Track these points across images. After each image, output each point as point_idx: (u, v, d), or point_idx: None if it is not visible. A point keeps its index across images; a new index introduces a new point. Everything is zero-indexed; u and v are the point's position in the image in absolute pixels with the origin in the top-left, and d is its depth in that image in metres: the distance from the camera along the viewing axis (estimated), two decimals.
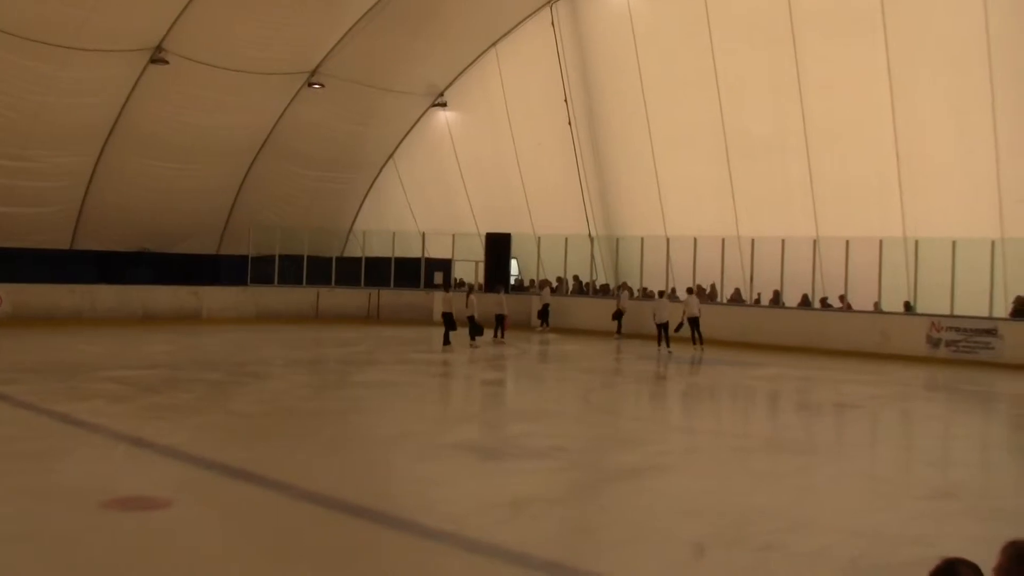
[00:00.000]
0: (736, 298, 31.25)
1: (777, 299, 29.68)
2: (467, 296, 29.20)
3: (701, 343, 27.93)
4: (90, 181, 32.50)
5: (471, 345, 27.85)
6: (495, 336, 29.90)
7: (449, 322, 27.81)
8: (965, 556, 3.80)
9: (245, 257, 35.29)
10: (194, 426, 14.06)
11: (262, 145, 35.86)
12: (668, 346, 27.57)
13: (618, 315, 31.44)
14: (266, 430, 14.27)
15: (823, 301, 28.83)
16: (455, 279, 37.72)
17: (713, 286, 31.51)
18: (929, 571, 3.80)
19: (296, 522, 9.30)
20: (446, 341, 27.33)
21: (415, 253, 37.56)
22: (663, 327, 27.82)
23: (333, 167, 38.69)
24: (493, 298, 31.14)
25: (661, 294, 29.73)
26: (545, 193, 36.93)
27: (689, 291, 29.23)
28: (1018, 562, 3.75)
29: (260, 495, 10.28)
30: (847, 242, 27.38)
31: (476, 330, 28.39)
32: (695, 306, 28.24)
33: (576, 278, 35.65)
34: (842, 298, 28.49)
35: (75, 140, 31.13)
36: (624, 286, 33.36)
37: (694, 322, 28.00)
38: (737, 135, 31.12)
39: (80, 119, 30.54)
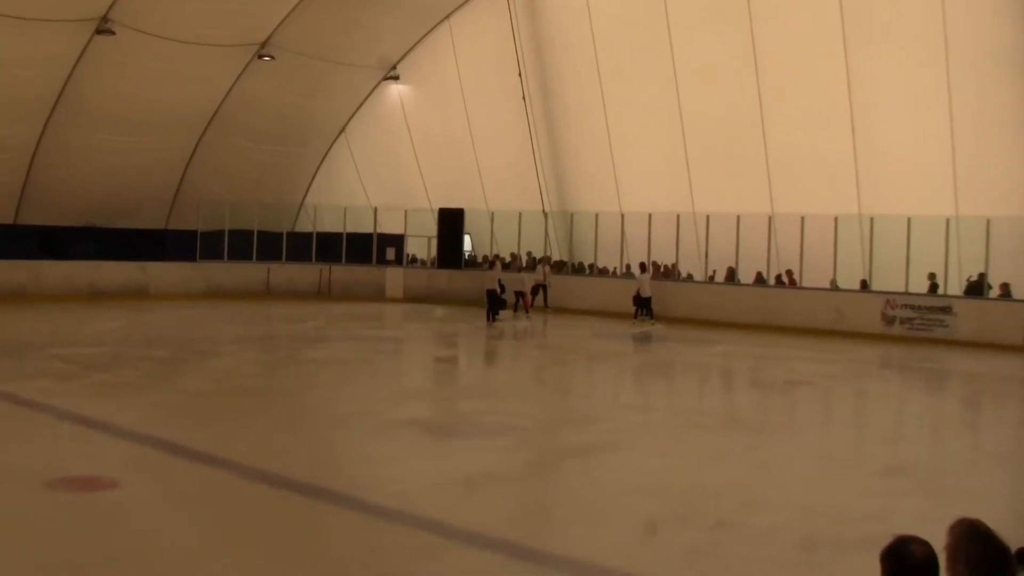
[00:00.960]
0: (668, 273, 31.42)
1: (732, 276, 29.84)
2: (488, 272, 29.82)
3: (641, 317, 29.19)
4: (34, 154, 32.04)
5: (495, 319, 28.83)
6: (515, 311, 30.78)
7: (493, 299, 28.84)
8: (917, 534, 3.85)
9: (194, 232, 34.91)
10: (142, 404, 13.95)
11: (211, 118, 35.51)
12: (652, 318, 28.86)
13: (536, 290, 31.90)
14: (216, 408, 14.21)
15: (778, 278, 29.04)
16: (531, 255, 37.12)
17: (674, 265, 31.54)
18: (881, 549, 3.84)
19: (246, 502, 9.29)
20: (491, 317, 28.61)
21: (367, 228, 37.39)
22: (648, 301, 28.95)
23: (283, 141, 38.39)
24: (514, 276, 31.44)
25: (643, 268, 29.92)
26: (499, 168, 36.84)
27: (643, 267, 29.83)
28: (967, 540, 3.80)
29: (209, 474, 10.24)
30: (802, 219, 27.50)
31: (500, 305, 29.43)
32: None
33: (530, 254, 35.66)
34: (789, 274, 28.72)
35: (18, 112, 30.62)
36: (546, 260, 33.51)
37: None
38: (693, 111, 31.16)
39: (23, 91, 30.02)
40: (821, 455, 12.34)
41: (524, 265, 34.95)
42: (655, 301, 29.06)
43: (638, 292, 29.06)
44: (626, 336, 26.54)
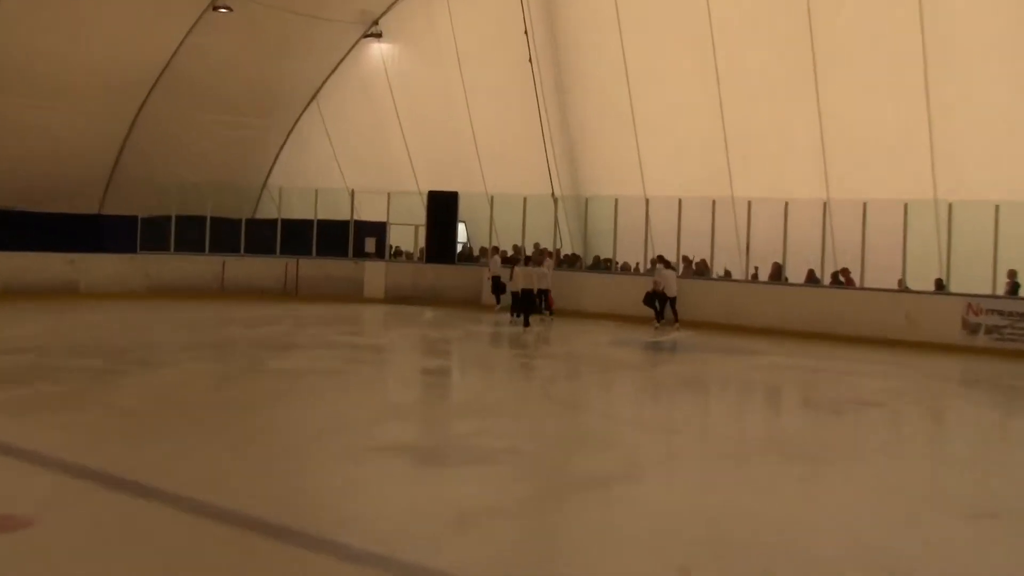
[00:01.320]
0: (701, 270, 31.37)
1: (779, 274, 29.70)
2: (511, 269, 30.50)
3: (660, 321, 29.71)
4: None
5: (511, 322, 29.67)
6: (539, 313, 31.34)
7: (527, 301, 29.45)
8: None
9: (134, 218, 34.87)
10: (66, 425, 13.84)
11: (155, 82, 35.44)
12: (677, 321, 29.41)
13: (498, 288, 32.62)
14: (157, 429, 14.05)
15: (834, 277, 28.88)
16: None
17: (703, 261, 31.47)
18: None
19: (192, 543, 9.12)
20: (526, 321, 29.04)
21: (342, 215, 37.34)
22: (671, 302, 29.43)
23: (243, 110, 38.36)
24: (538, 271, 31.40)
25: (668, 264, 29.90)
26: (500, 144, 36.82)
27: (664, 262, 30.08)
28: None
29: (147, 509, 10.08)
30: (864, 205, 27.34)
31: (531, 305, 29.98)
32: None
33: (536, 246, 35.52)
34: (845, 272, 28.54)
35: None
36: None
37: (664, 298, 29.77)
38: (733, 75, 31.08)
39: None
40: (891, 492, 12.15)
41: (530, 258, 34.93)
42: (679, 302, 29.09)
43: (660, 292, 29.10)
44: (648, 344, 26.47)
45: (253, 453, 12.90)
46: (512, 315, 30.26)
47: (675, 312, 29.29)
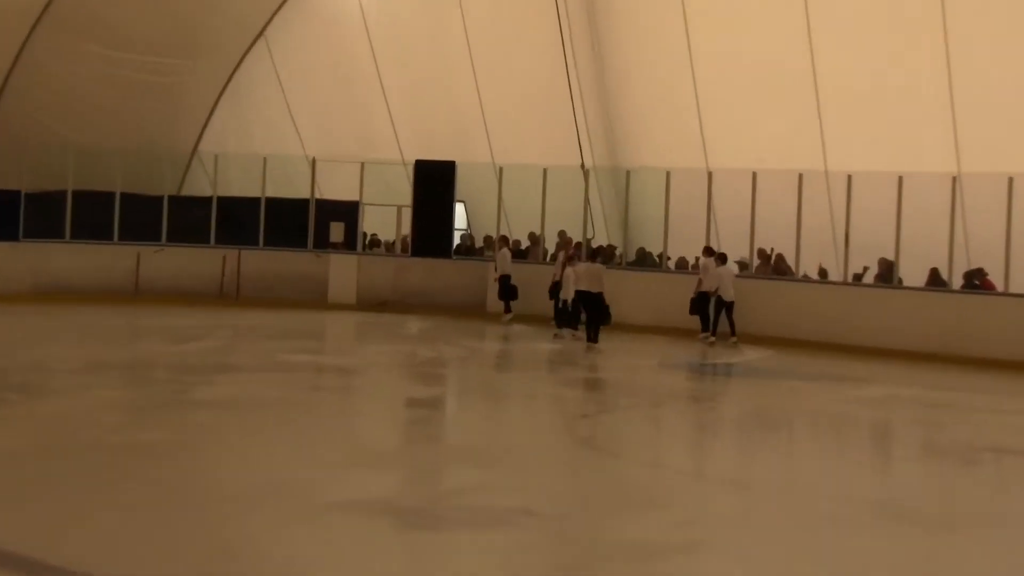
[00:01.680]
0: (780, 267, 31.39)
1: (889, 273, 29.58)
2: (562, 268, 30.74)
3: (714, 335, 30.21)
4: None
5: (555, 336, 30.24)
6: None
7: (596, 308, 29.06)
8: None
9: (16, 194, 34.92)
10: None
11: (42, 12, 35.30)
12: (733, 332, 29.74)
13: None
14: (41, 480, 13.90)
15: (968, 278, 28.75)
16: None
17: (780, 256, 31.42)
18: None
19: None
20: (593, 338, 28.98)
21: (300, 192, 37.36)
22: (728, 309, 29.78)
23: (165, 50, 38.38)
24: (594, 268, 31.19)
25: (724, 259, 29.91)
26: (512, 100, 36.86)
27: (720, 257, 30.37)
28: None
29: None
30: (1010, 181, 27.32)
31: (565, 318, 30.48)
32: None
33: (562, 234, 35.41)
34: (980, 273, 28.43)
35: None
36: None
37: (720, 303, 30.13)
38: (828, 10, 30.98)
39: None
40: None
41: (549, 255, 34.89)
42: (737, 309, 29.32)
43: (714, 295, 29.09)
44: (702, 367, 26.56)
45: (175, 512, 12.76)
46: (559, 328, 30.47)
47: (731, 323, 29.44)
